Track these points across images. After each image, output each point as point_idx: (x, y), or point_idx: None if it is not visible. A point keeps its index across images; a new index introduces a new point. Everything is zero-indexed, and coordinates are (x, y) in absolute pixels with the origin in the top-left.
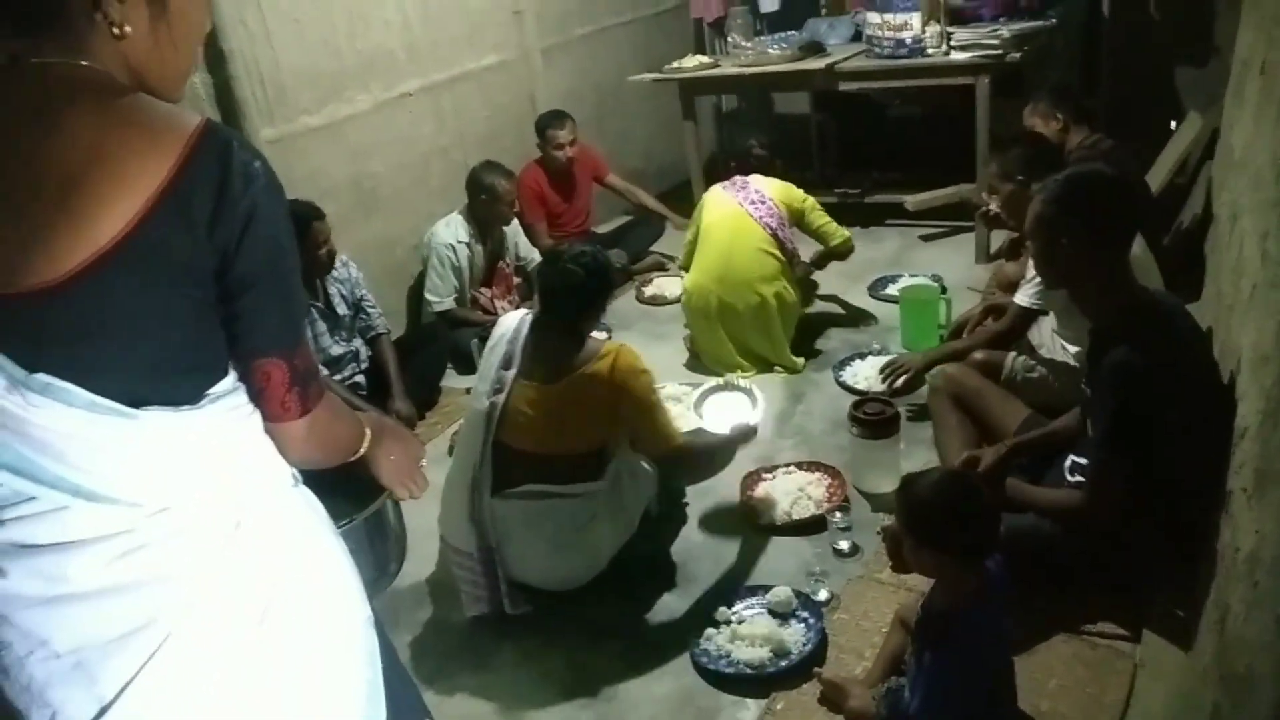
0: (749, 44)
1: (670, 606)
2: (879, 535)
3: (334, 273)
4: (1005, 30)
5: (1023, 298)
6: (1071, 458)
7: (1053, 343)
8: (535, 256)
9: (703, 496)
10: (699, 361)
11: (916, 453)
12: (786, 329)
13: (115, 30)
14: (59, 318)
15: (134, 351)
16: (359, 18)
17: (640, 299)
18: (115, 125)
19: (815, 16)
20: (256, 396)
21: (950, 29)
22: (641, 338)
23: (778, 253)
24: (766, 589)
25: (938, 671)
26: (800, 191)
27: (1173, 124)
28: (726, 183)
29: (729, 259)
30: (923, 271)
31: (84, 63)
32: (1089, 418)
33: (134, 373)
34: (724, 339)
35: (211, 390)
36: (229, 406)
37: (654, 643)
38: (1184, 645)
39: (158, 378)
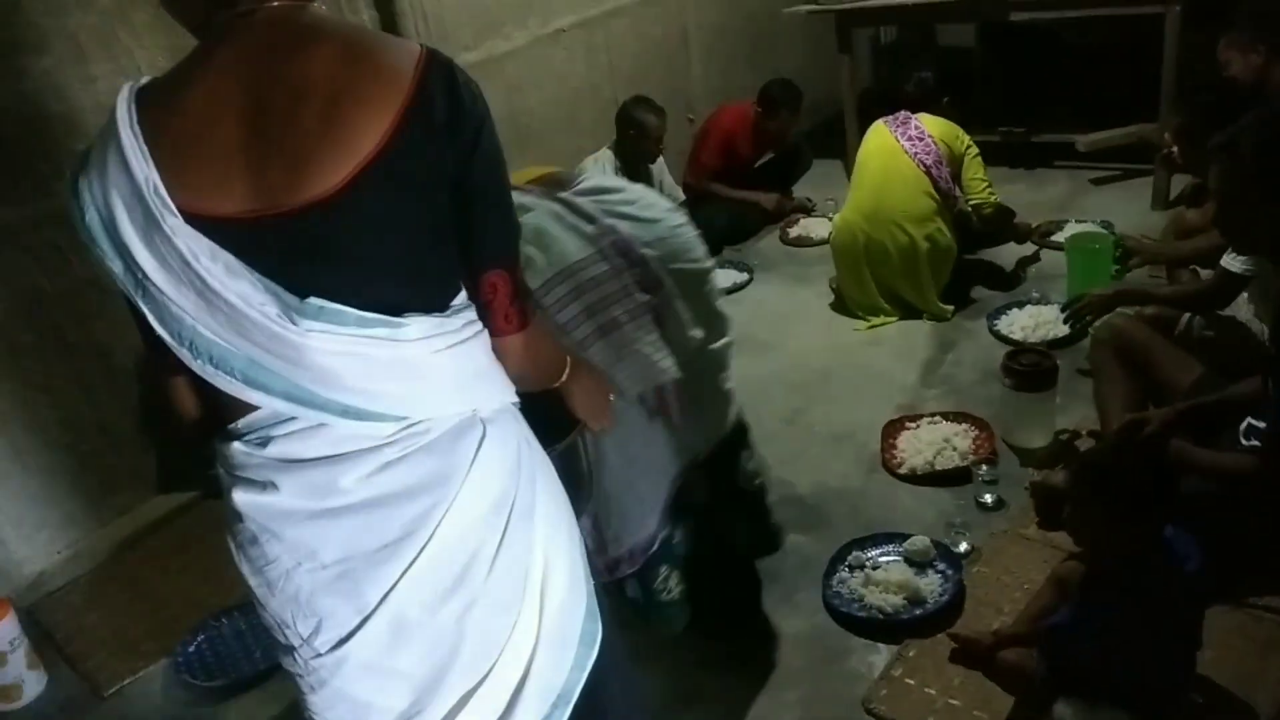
0: None
1: (803, 546)
2: (1027, 491)
3: None
4: None
5: (1233, 263)
6: (1249, 421)
7: (1243, 306)
8: (679, 195)
9: (842, 440)
10: (843, 305)
11: (1074, 408)
12: (938, 275)
13: None
14: (325, 233)
15: (395, 260)
16: None
17: (785, 240)
18: (353, 54)
19: None
20: (483, 310)
21: None
22: (784, 281)
23: (933, 192)
24: (904, 537)
25: (1088, 621)
26: (965, 135)
27: None
28: (889, 118)
29: (880, 196)
30: (1092, 217)
31: (307, 4)
32: (1273, 379)
33: (396, 281)
34: (868, 280)
35: (455, 301)
36: (468, 319)
37: (786, 581)
38: None
39: (416, 285)
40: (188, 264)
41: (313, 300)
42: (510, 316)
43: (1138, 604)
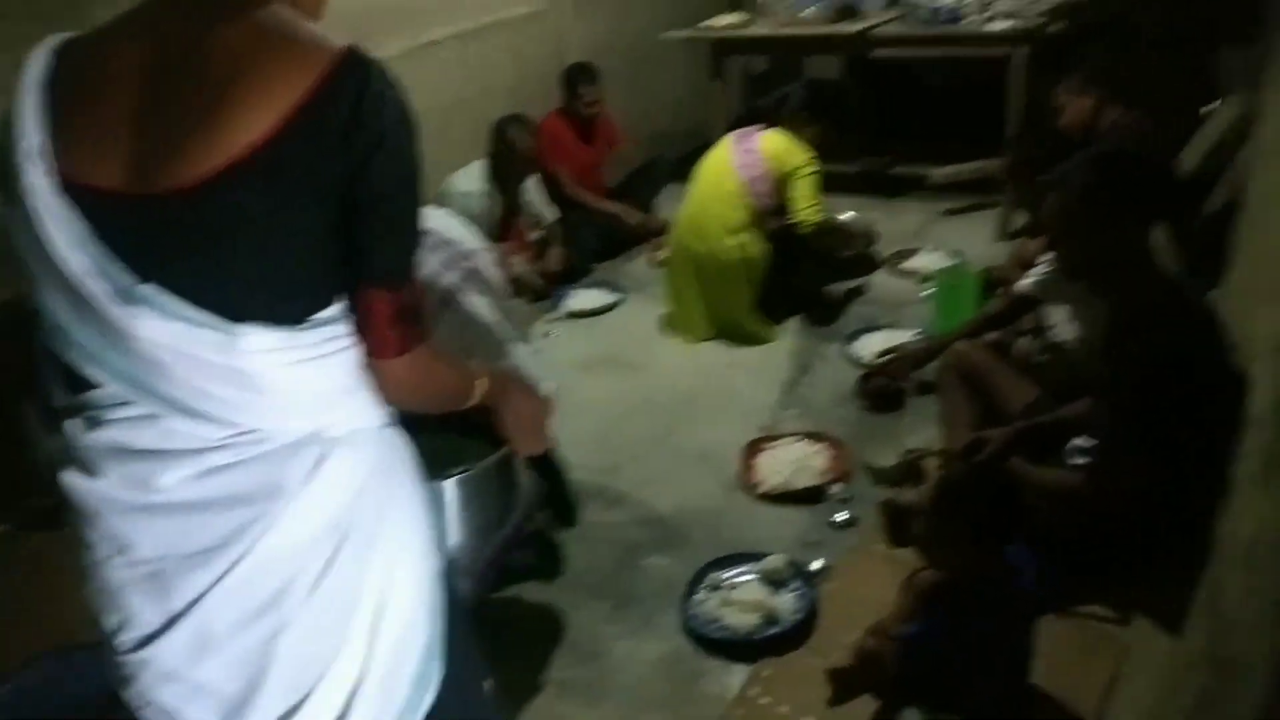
0: (783, 5)
1: (662, 568)
2: (878, 509)
3: None
4: (1047, 1)
5: (1022, 284)
6: (1075, 441)
7: (1066, 328)
8: (548, 215)
9: (703, 461)
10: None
11: (922, 428)
12: (750, 285)
13: None
14: (182, 224)
15: (248, 265)
16: None
17: (653, 262)
18: (266, 40)
19: None
20: (359, 327)
21: None
22: (653, 302)
23: (750, 203)
24: (760, 556)
25: (937, 634)
26: (806, 157)
27: (1210, 106)
28: (737, 132)
29: (704, 207)
30: (943, 246)
31: None
32: (1100, 401)
33: (243, 286)
34: (694, 298)
35: (315, 316)
36: (328, 335)
37: (644, 605)
38: (1172, 630)
39: (265, 294)
40: (32, 226)
41: (145, 287)
42: (387, 340)
43: (981, 617)
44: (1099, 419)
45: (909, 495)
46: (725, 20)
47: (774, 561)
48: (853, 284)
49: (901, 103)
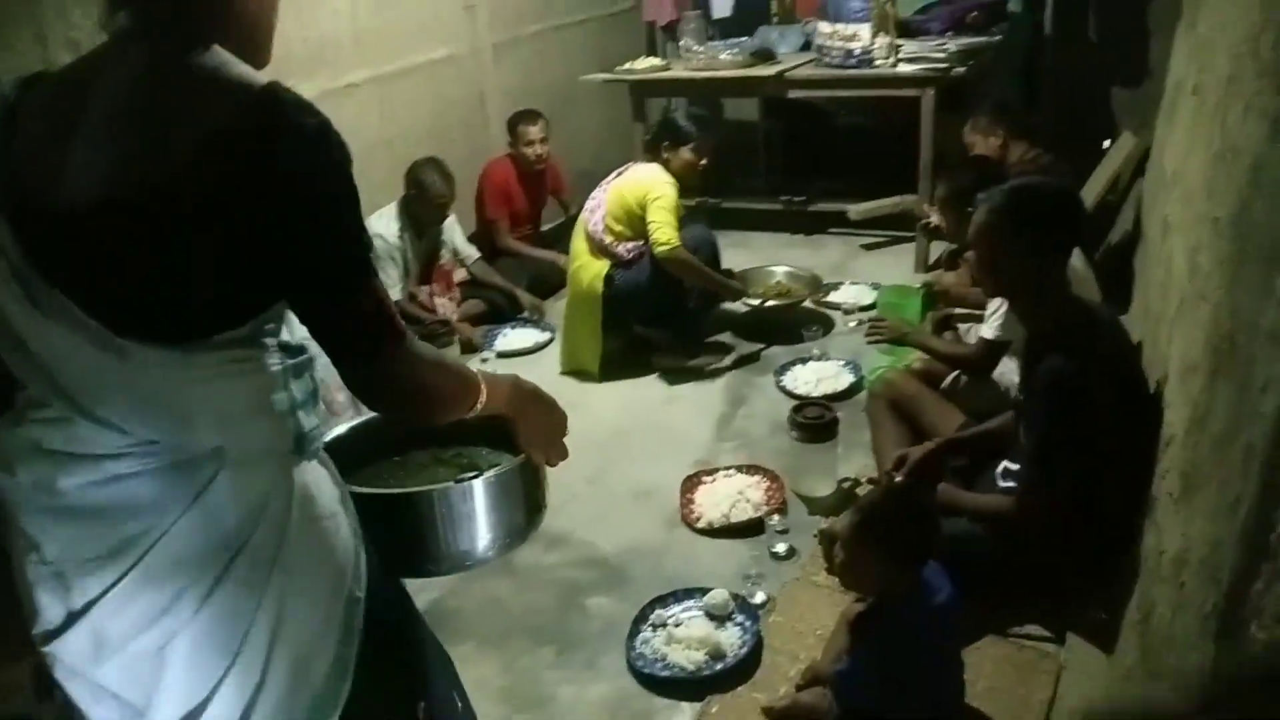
0: (700, 48)
1: (606, 608)
2: (816, 538)
3: None
4: (952, 45)
5: (988, 330)
6: (1004, 464)
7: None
8: (473, 253)
9: (643, 499)
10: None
11: (854, 456)
12: (591, 318)
13: None
14: (89, 240)
15: (145, 284)
16: (307, 6)
17: None
18: (192, 79)
19: (766, 24)
20: (322, 339)
21: (899, 41)
22: None
23: (587, 237)
24: (703, 592)
25: (865, 665)
26: (663, 187)
27: (1106, 143)
28: (621, 167)
29: (574, 242)
30: (863, 279)
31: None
32: (1022, 424)
33: (141, 304)
34: (569, 329)
35: (216, 338)
36: (232, 357)
37: (588, 646)
38: (1106, 647)
39: (162, 313)
40: None
41: (54, 295)
42: (350, 347)
43: (906, 642)
44: (1021, 439)
45: (843, 524)
46: (645, 63)
47: (717, 596)
48: (753, 349)
49: (818, 142)
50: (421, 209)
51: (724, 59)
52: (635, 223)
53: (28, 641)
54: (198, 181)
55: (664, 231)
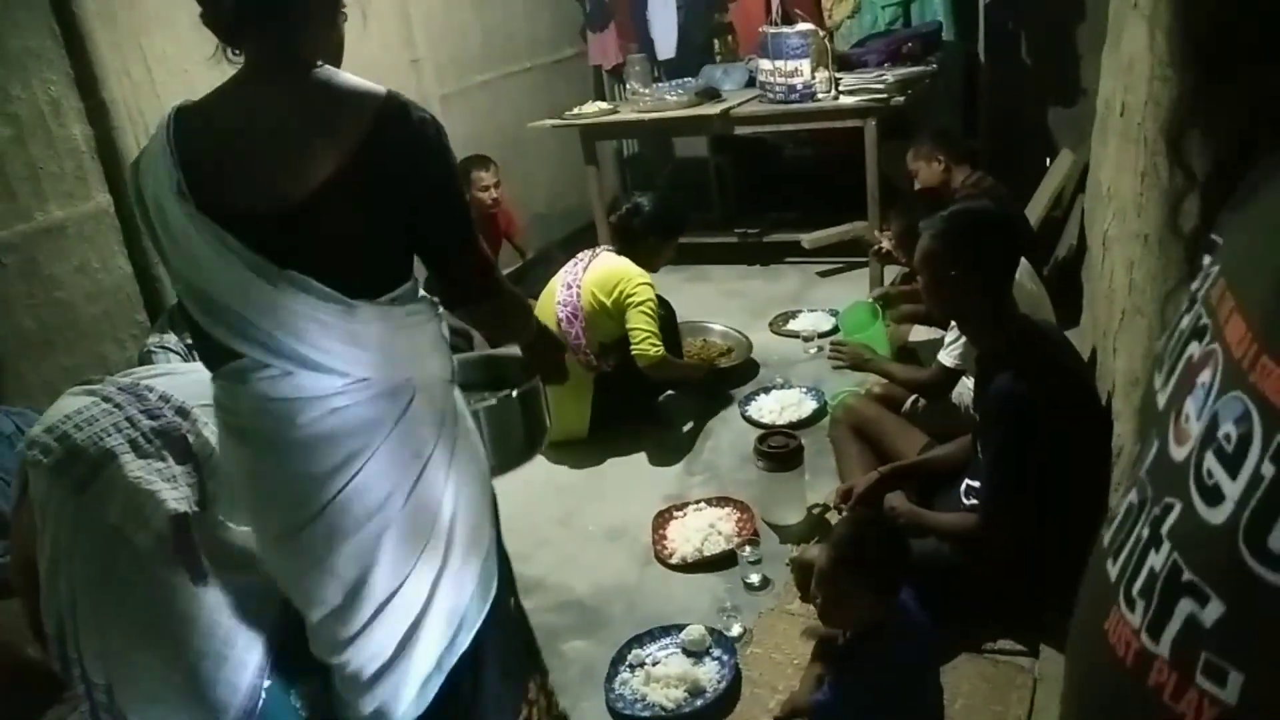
0: (647, 90)
1: (584, 652)
2: (788, 566)
3: None
4: (890, 76)
5: (946, 358)
6: (966, 482)
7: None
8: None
9: (616, 538)
10: None
11: (822, 483)
12: (577, 402)
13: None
14: (295, 233)
15: (352, 258)
16: None
17: None
18: (327, 93)
19: (710, 63)
20: (450, 285)
21: (838, 75)
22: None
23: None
24: (680, 628)
25: (846, 696)
26: (637, 284)
27: (1047, 161)
28: (584, 252)
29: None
30: (821, 306)
31: (298, 56)
32: (979, 443)
33: (352, 274)
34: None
35: (399, 293)
36: (413, 310)
37: (568, 691)
38: None
39: (366, 278)
40: (187, 242)
41: (286, 272)
42: (470, 289)
43: (888, 671)
44: (978, 459)
45: (815, 550)
46: (594, 107)
47: (693, 632)
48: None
49: (768, 175)
50: None
51: (670, 100)
52: (613, 327)
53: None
54: (360, 175)
55: (648, 343)
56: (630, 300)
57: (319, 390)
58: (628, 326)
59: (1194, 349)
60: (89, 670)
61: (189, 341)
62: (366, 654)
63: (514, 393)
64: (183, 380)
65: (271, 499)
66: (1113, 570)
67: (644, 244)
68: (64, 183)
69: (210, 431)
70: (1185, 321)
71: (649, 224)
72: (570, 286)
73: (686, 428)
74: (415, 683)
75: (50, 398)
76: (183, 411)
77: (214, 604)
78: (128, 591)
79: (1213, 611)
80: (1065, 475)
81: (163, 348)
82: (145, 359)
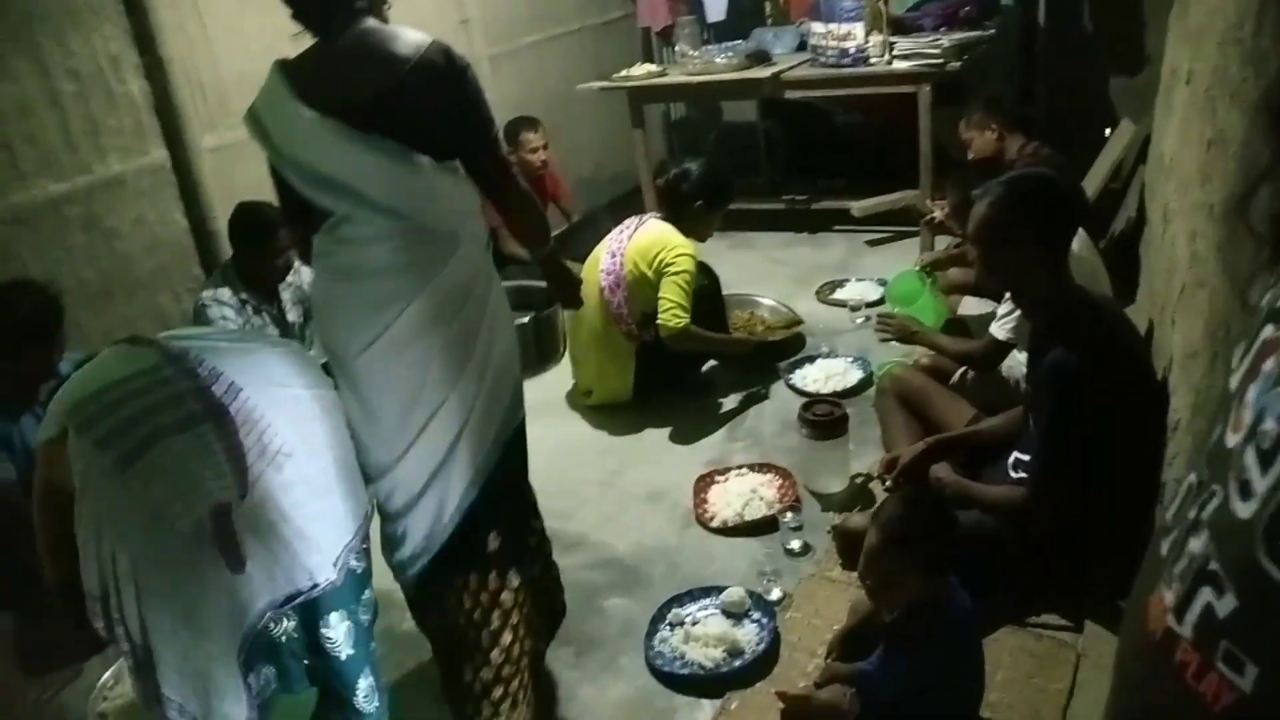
0: (696, 53)
1: (624, 610)
2: (829, 534)
3: (286, 278)
4: (945, 40)
5: (999, 330)
6: (1015, 454)
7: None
8: None
9: (656, 500)
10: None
11: (865, 453)
12: (620, 370)
13: None
14: (373, 117)
15: (412, 133)
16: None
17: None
18: (388, 38)
19: (761, 26)
20: (476, 177)
21: (892, 39)
22: None
23: (607, 315)
24: (719, 590)
25: (891, 669)
26: (677, 253)
27: (1107, 131)
28: (632, 219)
29: (585, 307)
30: (869, 276)
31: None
32: (1031, 415)
33: (413, 141)
34: (592, 363)
35: (450, 162)
36: (459, 174)
37: (607, 647)
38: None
39: (428, 146)
40: (307, 129)
41: (372, 137)
42: (494, 178)
43: (931, 647)
44: (1030, 430)
45: (858, 519)
46: (642, 69)
47: (733, 594)
48: (751, 391)
49: (817, 141)
50: None
51: (720, 63)
52: (654, 296)
53: None
54: (413, 86)
55: (672, 313)
56: (668, 269)
57: (391, 234)
58: (659, 295)
59: (1269, 332)
60: (130, 630)
61: (242, 296)
62: (400, 482)
63: (535, 315)
64: (232, 354)
65: (349, 322)
66: (1164, 547)
67: (690, 210)
68: (122, 137)
69: (258, 414)
70: (1265, 299)
71: (697, 189)
72: (614, 255)
73: (728, 402)
74: (433, 520)
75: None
76: (233, 391)
77: (248, 592)
78: (165, 570)
79: (1227, 604)
80: (1115, 451)
81: (217, 301)
82: (199, 312)
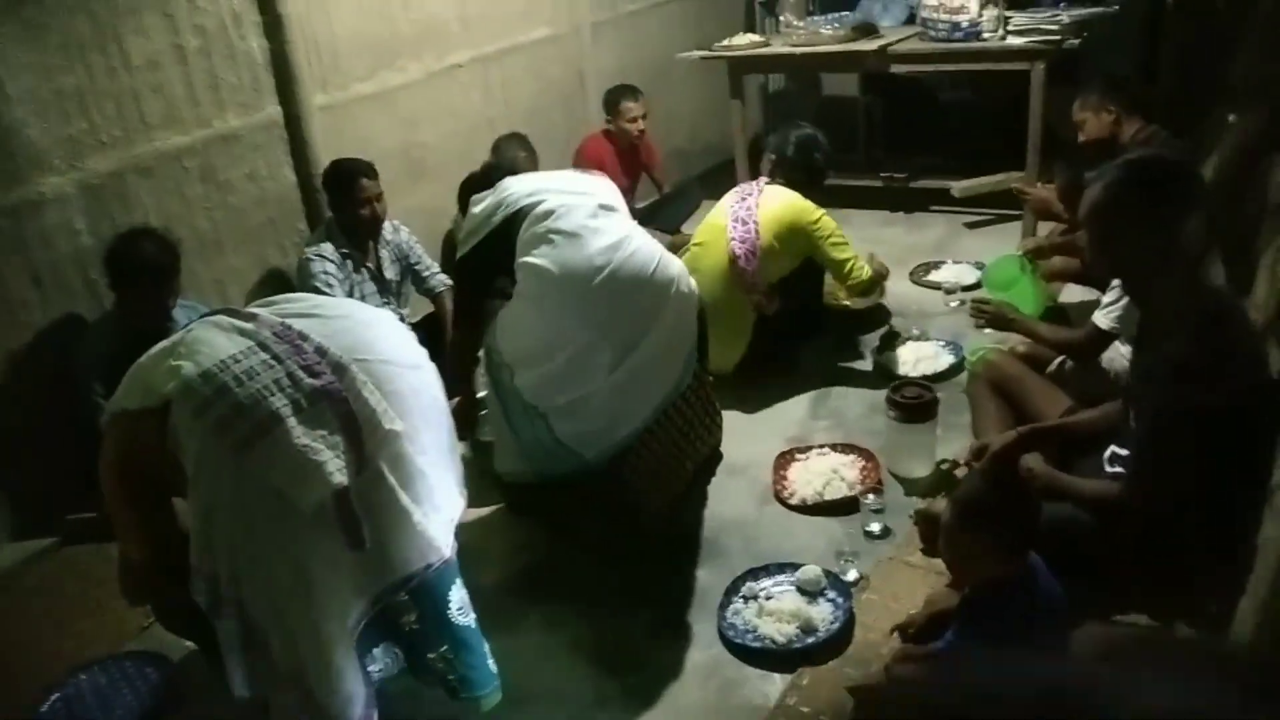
0: (801, 23)
1: (699, 580)
2: (912, 519)
3: (384, 236)
4: (1065, 16)
5: (1103, 319)
6: (1112, 448)
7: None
8: None
9: (736, 474)
10: None
11: (952, 439)
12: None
13: None
14: None
15: None
16: None
17: None
18: None
19: None
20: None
21: (1008, 13)
22: None
23: (733, 283)
24: (796, 567)
25: (964, 649)
26: (818, 217)
27: (1231, 116)
28: (742, 186)
29: (699, 275)
30: (966, 259)
31: None
32: (1133, 409)
33: None
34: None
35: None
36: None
37: (682, 614)
38: (1217, 634)
39: None
40: None
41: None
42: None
43: (1005, 628)
44: (1129, 425)
45: (941, 505)
46: (744, 39)
47: (809, 571)
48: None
49: (919, 118)
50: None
51: (825, 34)
52: (786, 265)
53: None
54: None
55: (857, 265)
56: (818, 234)
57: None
58: (829, 259)
59: None
60: (250, 613)
61: (344, 251)
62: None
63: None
64: (335, 326)
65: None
66: None
67: (821, 178)
68: (241, 93)
69: (369, 390)
70: None
71: (828, 158)
72: (745, 222)
73: (811, 381)
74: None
75: (218, 297)
76: (340, 368)
77: (367, 570)
78: (286, 551)
79: None
80: (1220, 449)
81: (320, 255)
82: (304, 266)
